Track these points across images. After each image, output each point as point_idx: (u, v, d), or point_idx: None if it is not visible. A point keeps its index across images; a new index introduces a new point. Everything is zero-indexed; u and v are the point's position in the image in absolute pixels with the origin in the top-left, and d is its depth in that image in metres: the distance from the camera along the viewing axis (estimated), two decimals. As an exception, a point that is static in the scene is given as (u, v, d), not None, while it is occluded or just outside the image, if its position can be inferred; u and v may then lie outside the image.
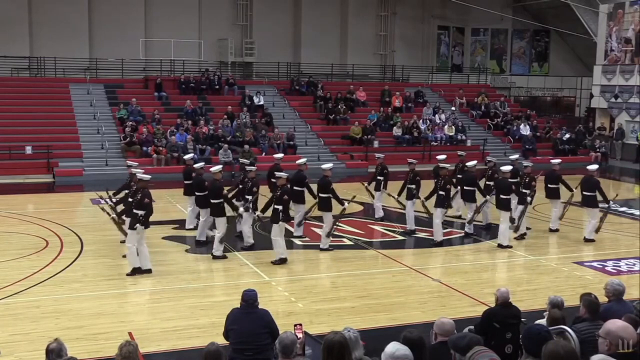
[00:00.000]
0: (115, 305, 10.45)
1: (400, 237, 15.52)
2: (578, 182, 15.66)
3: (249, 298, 6.99)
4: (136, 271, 11.91)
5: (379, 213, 17.04)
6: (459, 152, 18.46)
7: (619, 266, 13.21)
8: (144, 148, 24.86)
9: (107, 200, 14.13)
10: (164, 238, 14.76)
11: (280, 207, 12.62)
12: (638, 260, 13.39)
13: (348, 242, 14.77)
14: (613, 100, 31.75)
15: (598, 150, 30.22)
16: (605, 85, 32.17)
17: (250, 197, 13.75)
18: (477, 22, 37.88)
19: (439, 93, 33.83)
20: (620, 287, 6.95)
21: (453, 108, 31.88)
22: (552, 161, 16.62)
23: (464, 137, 29.65)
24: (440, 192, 14.50)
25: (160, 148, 24.80)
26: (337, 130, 29.30)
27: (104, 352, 8.46)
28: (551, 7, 35.87)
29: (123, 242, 12.90)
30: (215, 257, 13.15)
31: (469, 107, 32.90)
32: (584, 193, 15.22)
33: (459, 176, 16.64)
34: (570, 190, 15.83)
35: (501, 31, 38.92)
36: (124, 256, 12.76)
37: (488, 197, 15.32)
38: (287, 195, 12.91)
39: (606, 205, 15.21)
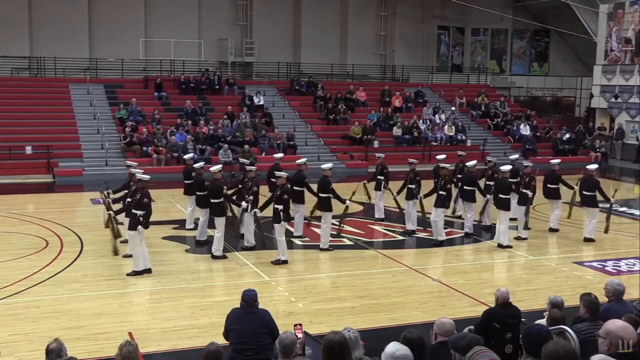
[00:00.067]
0: (115, 305, 10.44)
1: (400, 237, 15.52)
2: (577, 182, 15.70)
3: (249, 298, 6.99)
4: (138, 273, 11.93)
5: (380, 213, 17.05)
6: (459, 152, 18.47)
7: (619, 266, 13.21)
8: (144, 148, 24.87)
9: (104, 199, 14.06)
10: (164, 238, 14.76)
11: (280, 207, 12.62)
12: (638, 260, 13.39)
13: (348, 242, 14.77)
14: (613, 100, 31.75)
15: (598, 150, 30.22)
16: (605, 85, 32.18)
17: (251, 197, 13.73)
18: (477, 22, 37.89)
19: (439, 93, 33.83)
20: (620, 287, 6.95)
21: (453, 108, 31.89)
22: (552, 161, 16.61)
23: (464, 137, 29.66)
24: (441, 192, 14.50)
25: (160, 148, 24.80)
26: (337, 130, 29.30)
27: (104, 352, 8.47)
28: (551, 7, 35.88)
29: (124, 242, 12.92)
30: (215, 257, 13.15)
31: (469, 107, 32.91)
32: (584, 193, 15.23)
33: (459, 176, 16.65)
34: (571, 188, 15.88)
35: (501, 31, 38.92)
36: (125, 256, 12.79)
37: (489, 196, 15.34)
38: (287, 194, 12.92)
39: (607, 205, 15.23)
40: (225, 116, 27.22)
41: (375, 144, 27.84)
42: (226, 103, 28.75)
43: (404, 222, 15.87)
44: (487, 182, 16.22)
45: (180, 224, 15.88)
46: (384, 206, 17.21)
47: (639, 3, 30.54)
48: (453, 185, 15.71)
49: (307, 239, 14.93)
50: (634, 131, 30.87)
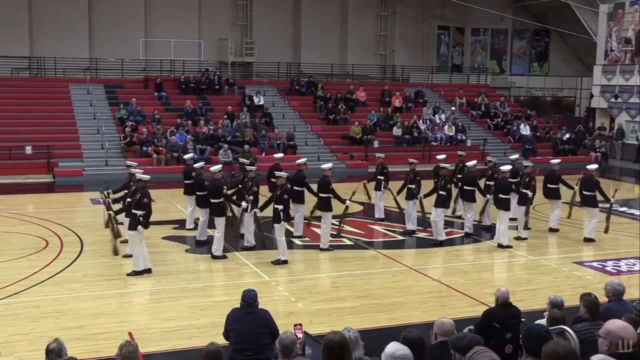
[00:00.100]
0: (115, 305, 10.44)
1: (400, 237, 15.52)
2: (577, 181, 15.71)
3: (249, 298, 6.99)
4: (138, 273, 11.93)
5: (380, 213, 17.05)
6: (459, 152, 18.47)
7: (619, 266, 13.21)
8: (144, 148, 24.86)
9: (104, 199, 14.05)
10: (164, 238, 14.76)
11: (280, 207, 12.62)
12: (638, 260, 13.39)
13: (348, 242, 14.77)
14: (613, 100, 31.75)
15: (598, 150, 30.22)
16: (605, 85, 32.17)
17: (251, 197, 13.73)
18: (477, 22, 37.89)
19: (439, 93, 33.83)
20: (620, 287, 6.95)
21: (453, 108, 31.89)
22: (552, 161, 16.61)
23: (464, 137, 29.66)
24: (441, 192, 14.50)
25: (160, 148, 24.80)
26: (337, 130, 29.30)
27: (104, 352, 8.47)
28: (551, 7, 35.88)
29: (124, 242, 12.92)
30: (215, 257, 13.15)
31: (469, 107, 32.91)
32: (584, 193, 15.23)
33: (459, 176, 16.65)
34: (571, 188, 15.88)
35: (501, 31, 38.92)
36: (125, 256, 12.79)
37: (489, 196, 15.34)
38: (287, 194, 12.92)
39: (607, 205, 15.23)
40: (225, 116, 27.22)
41: (375, 144, 27.83)
42: (226, 103, 28.75)
43: (404, 222, 15.87)
44: (487, 182, 16.22)
45: (180, 224, 15.88)
46: (384, 206, 17.21)
47: (639, 3, 30.54)
48: (453, 185, 15.71)
49: (307, 239, 14.93)
50: (634, 131, 30.87)
